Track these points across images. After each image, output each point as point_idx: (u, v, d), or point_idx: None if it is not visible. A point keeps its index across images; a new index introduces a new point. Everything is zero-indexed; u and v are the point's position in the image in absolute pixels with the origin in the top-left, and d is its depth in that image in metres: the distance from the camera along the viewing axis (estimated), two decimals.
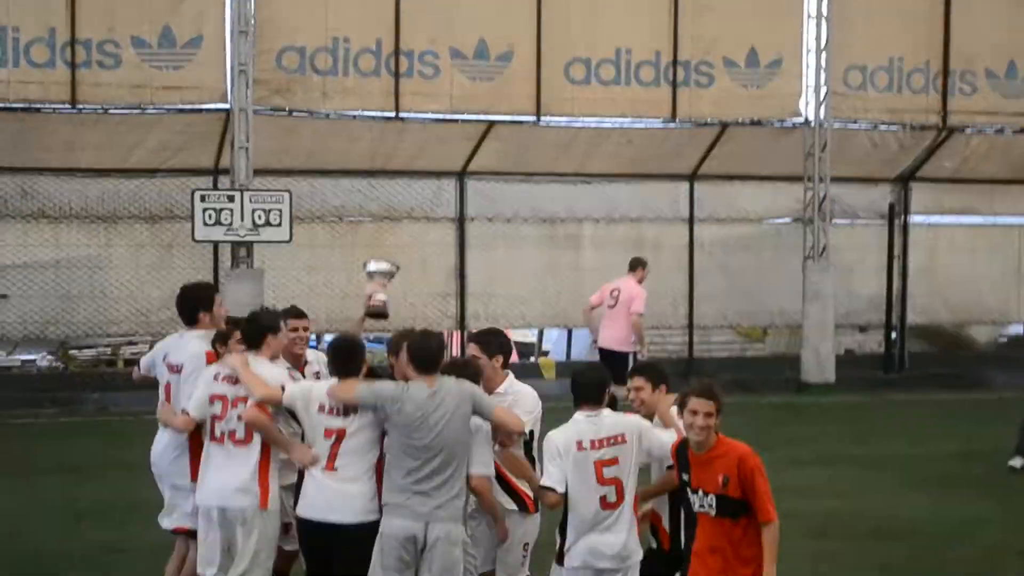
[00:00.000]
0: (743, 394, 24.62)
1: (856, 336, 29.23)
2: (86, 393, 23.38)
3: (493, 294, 25.95)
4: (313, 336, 28.74)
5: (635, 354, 19.35)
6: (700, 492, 7.71)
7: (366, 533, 8.26)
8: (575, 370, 8.80)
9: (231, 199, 22.08)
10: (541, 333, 31.18)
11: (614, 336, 19.72)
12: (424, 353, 8.35)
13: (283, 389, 8.68)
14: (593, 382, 8.49)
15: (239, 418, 8.79)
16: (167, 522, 9.71)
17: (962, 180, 28.22)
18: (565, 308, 26.26)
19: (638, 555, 8.41)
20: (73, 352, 26.26)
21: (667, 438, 8.34)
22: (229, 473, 8.85)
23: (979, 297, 27.91)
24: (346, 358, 8.59)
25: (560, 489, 8.19)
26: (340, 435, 8.42)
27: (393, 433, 8.26)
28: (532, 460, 8.90)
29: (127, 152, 23.83)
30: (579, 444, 8.20)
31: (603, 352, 19.79)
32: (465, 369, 8.64)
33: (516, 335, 30.65)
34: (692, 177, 26.77)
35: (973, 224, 29.01)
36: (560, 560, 8.37)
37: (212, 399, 8.95)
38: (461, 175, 25.74)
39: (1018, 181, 28.39)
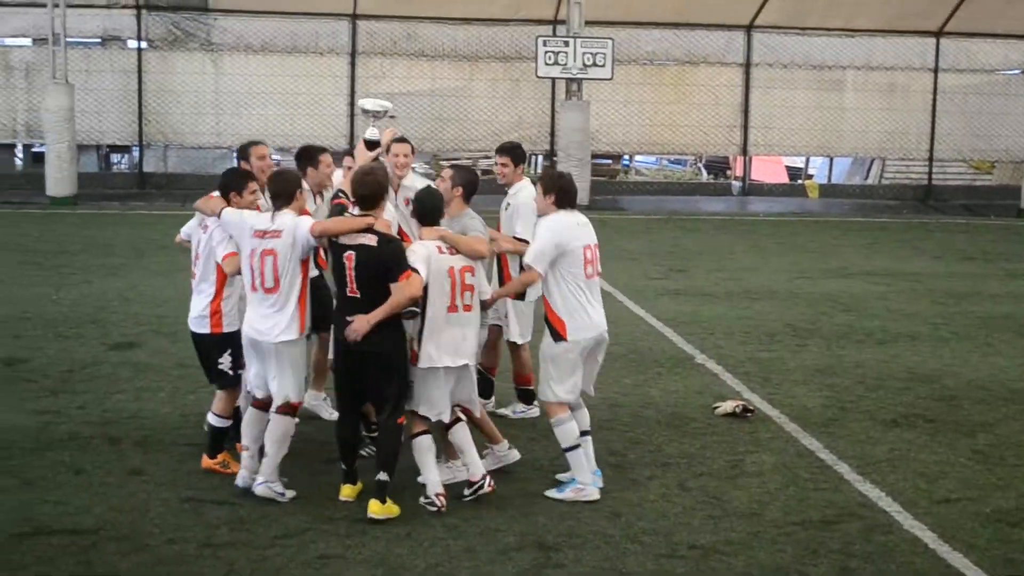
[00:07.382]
0: (972, 216, 24.94)
1: None
2: None
3: (770, 127, 26.64)
4: (627, 157, 30.09)
5: None
6: None
7: None
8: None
9: (566, 44, 23.41)
10: (807, 160, 31.61)
11: None
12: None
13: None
14: None
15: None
16: None
17: None
18: (828, 140, 26.96)
19: None
20: (443, 163, 27.97)
21: None
22: None
23: None
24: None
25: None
26: None
27: None
28: None
29: (488, 4, 25.27)
30: None
31: None
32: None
33: (787, 160, 31.32)
34: (939, 34, 26.75)
35: None
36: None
37: None
38: (749, 28, 26.30)
39: None
